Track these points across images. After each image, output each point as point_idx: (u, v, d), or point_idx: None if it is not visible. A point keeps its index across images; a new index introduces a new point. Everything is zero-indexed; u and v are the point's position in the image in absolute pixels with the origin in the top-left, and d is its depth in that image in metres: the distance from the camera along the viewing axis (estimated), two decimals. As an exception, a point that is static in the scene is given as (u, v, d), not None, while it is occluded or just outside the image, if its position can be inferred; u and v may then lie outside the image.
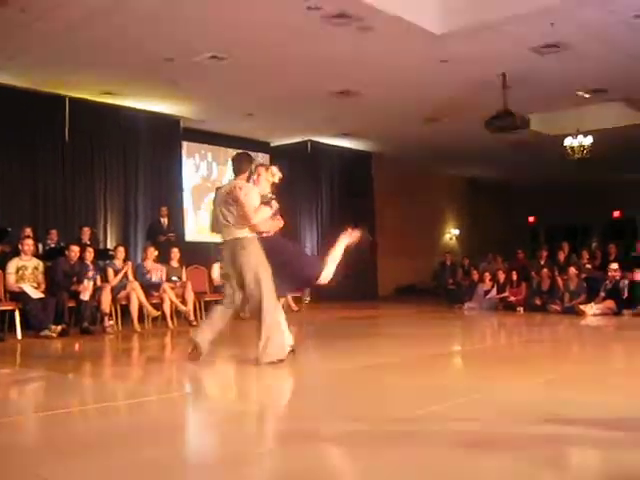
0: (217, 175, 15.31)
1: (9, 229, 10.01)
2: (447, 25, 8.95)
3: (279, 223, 5.82)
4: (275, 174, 5.87)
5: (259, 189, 5.73)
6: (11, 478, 2.79)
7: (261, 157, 15.06)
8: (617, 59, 10.22)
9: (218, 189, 5.89)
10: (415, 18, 8.72)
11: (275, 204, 5.71)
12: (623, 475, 2.79)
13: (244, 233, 5.53)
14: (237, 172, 5.75)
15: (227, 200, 5.57)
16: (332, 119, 14.06)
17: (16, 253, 9.05)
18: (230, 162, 5.96)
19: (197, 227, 14.69)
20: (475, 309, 13.05)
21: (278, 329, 5.53)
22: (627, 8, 8.34)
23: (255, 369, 5.47)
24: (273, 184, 5.87)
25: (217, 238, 5.90)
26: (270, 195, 5.81)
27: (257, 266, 5.48)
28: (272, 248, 5.60)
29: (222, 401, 4.60)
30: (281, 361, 5.45)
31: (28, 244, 8.80)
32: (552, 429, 3.45)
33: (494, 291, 13.10)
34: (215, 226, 5.81)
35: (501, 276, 13.17)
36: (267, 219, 5.63)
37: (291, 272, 5.66)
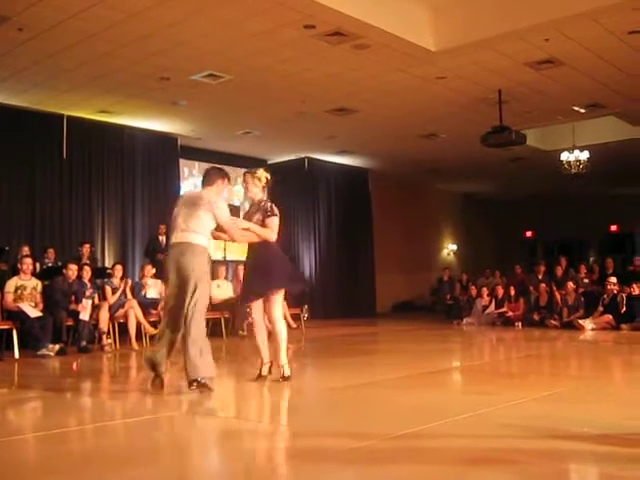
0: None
1: (7, 248, 9.99)
2: (443, 42, 9.01)
3: (252, 236, 5.63)
4: (261, 176, 5.79)
5: (251, 194, 5.79)
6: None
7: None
8: (612, 74, 10.30)
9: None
10: (411, 35, 8.78)
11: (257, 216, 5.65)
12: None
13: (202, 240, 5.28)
14: (208, 184, 5.54)
15: (196, 204, 5.33)
16: (329, 136, 14.12)
17: (13, 271, 9.00)
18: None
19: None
20: (473, 325, 13.04)
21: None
22: (621, 24, 8.41)
23: (252, 387, 5.46)
24: (263, 188, 5.82)
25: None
26: (264, 200, 5.78)
27: (201, 275, 5.18)
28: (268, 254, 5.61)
29: (220, 419, 4.58)
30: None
31: (27, 263, 8.68)
32: (552, 445, 3.44)
33: (492, 306, 13.09)
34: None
35: (499, 291, 13.17)
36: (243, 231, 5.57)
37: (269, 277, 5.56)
